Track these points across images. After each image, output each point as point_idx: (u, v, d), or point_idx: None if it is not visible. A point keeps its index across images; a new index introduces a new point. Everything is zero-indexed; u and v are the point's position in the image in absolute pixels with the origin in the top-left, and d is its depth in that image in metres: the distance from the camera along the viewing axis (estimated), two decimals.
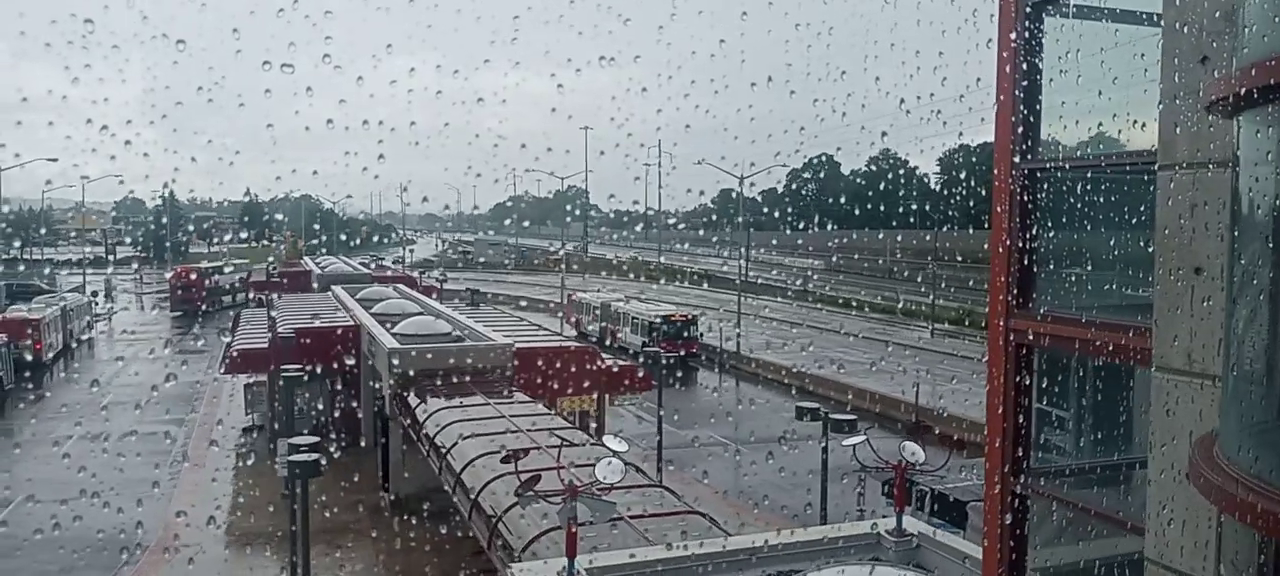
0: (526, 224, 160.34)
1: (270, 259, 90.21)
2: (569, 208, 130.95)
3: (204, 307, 74.06)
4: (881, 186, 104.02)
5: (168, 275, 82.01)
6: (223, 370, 39.86)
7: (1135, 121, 6.35)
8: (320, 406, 34.58)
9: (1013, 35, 7.17)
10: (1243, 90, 3.57)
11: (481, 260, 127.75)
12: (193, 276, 78.04)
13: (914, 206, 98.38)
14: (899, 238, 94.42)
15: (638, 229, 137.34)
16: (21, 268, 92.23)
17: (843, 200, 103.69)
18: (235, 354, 38.86)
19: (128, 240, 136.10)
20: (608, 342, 60.14)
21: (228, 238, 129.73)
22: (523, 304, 77.84)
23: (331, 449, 26.18)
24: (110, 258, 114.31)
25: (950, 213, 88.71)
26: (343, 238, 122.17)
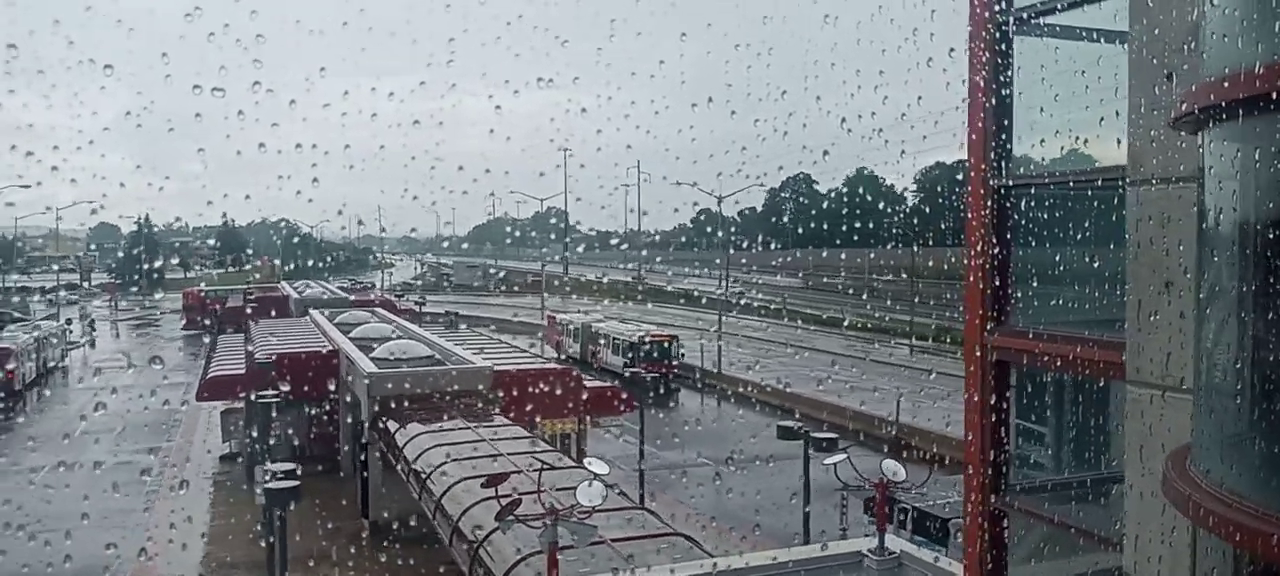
0: (511, 242, 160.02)
1: (247, 283, 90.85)
2: (536, 234, 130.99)
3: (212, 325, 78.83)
4: (859, 205, 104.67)
5: (181, 296, 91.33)
6: (197, 397, 39.42)
7: (1105, 137, 6.42)
8: (298, 433, 34.23)
9: (982, 53, 7.24)
10: (1206, 105, 3.60)
11: (463, 283, 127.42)
12: (202, 298, 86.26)
13: (892, 225, 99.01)
14: (877, 256, 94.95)
15: (617, 249, 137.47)
16: None
17: (820, 219, 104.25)
18: (210, 380, 38.44)
19: (104, 267, 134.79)
20: (589, 364, 60.00)
21: (193, 260, 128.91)
22: (503, 327, 77.63)
23: (310, 474, 25.90)
24: (84, 284, 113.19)
25: (928, 230, 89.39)
26: (319, 262, 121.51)
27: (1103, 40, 6.67)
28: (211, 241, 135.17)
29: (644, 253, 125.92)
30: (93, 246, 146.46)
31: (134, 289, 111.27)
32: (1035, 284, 7.61)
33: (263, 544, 21.75)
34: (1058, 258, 7.59)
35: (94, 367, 66.22)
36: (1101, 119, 6.26)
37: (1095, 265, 6.96)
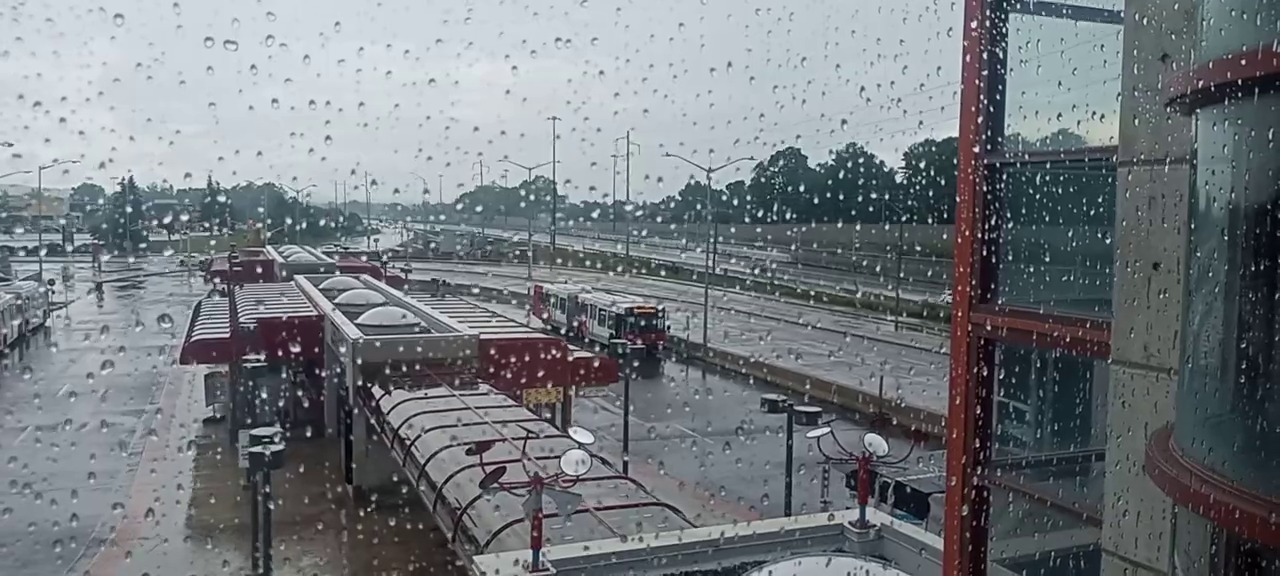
0: (500, 210, 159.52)
1: (232, 247, 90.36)
2: (535, 198, 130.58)
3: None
4: (847, 180, 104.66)
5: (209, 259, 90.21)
6: (179, 359, 39.29)
7: (1097, 117, 6.43)
8: (282, 397, 34.19)
9: (976, 29, 7.22)
10: (1201, 87, 3.61)
11: (447, 250, 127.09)
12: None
13: (879, 200, 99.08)
14: (864, 231, 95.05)
15: (605, 220, 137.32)
16: None
17: (809, 193, 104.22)
18: (194, 343, 38.30)
19: (85, 228, 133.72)
20: (574, 334, 60.05)
21: (186, 222, 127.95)
22: (489, 296, 77.53)
23: (294, 439, 25.91)
24: (67, 245, 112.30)
25: (915, 206, 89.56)
26: (306, 227, 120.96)
27: (1098, 20, 6.67)
28: (215, 199, 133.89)
29: (633, 223, 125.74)
30: (79, 208, 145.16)
31: (118, 251, 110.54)
32: (1023, 262, 7.64)
33: (244, 505, 21.79)
34: (1046, 237, 7.62)
35: (78, 328, 65.81)
36: (1094, 99, 6.27)
37: (1083, 245, 7.00)
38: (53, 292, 72.48)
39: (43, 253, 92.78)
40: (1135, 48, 4.70)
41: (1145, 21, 4.62)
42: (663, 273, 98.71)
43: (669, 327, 59.70)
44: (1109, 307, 5.04)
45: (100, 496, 27.75)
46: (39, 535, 23.58)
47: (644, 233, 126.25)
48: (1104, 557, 4.97)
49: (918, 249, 74.05)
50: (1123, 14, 4.96)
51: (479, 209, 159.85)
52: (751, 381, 47.67)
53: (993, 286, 7.58)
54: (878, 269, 78.53)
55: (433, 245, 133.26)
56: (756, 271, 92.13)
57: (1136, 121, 4.74)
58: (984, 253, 7.49)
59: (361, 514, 26.26)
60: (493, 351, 31.74)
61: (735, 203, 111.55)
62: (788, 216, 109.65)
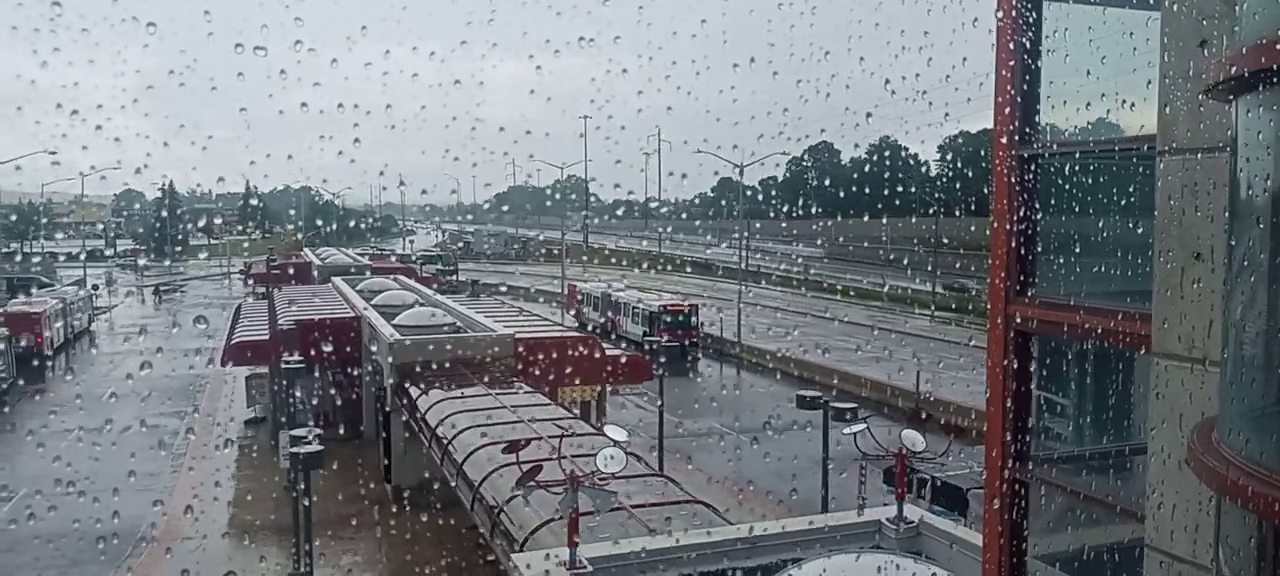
0: (530, 209, 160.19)
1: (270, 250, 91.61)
2: (562, 198, 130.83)
3: None
4: (881, 174, 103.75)
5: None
6: (221, 361, 39.90)
7: (1134, 105, 6.33)
8: (321, 397, 34.60)
9: (1008, 18, 7.13)
10: (1240, 73, 3.54)
11: (479, 250, 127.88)
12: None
13: (914, 193, 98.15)
14: (900, 225, 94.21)
15: (635, 217, 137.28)
16: (24, 261, 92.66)
17: (842, 187, 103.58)
18: (234, 345, 38.87)
19: (126, 232, 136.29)
20: (609, 333, 60.18)
21: (223, 225, 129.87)
22: (523, 295, 77.91)
23: (332, 439, 26.22)
24: (110, 250, 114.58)
25: (952, 199, 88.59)
26: (341, 229, 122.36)
27: (1133, 6, 6.56)
28: (252, 202, 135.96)
29: (663, 219, 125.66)
30: (120, 214, 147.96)
31: (159, 255, 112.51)
32: (1060, 254, 7.54)
33: (283, 504, 22.09)
34: (1083, 228, 7.51)
35: (121, 332, 67.01)
36: (1130, 87, 6.17)
37: (1121, 235, 6.89)
38: (97, 297, 73.91)
39: (83, 257, 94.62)
40: (1172, 33, 4.62)
41: (1182, 6, 4.54)
42: (689, 269, 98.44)
43: (703, 325, 59.62)
44: (1148, 299, 4.97)
45: (143, 496, 28.28)
46: (79, 537, 24.14)
47: (673, 229, 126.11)
48: (1146, 553, 4.89)
49: (945, 244, 73.27)
50: (1159, 0, 4.88)
51: (505, 209, 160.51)
52: (786, 378, 47.44)
53: (1030, 279, 7.49)
54: (906, 262, 77.73)
55: (466, 244, 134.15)
56: (791, 266, 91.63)
57: (1174, 109, 4.65)
58: (1019, 245, 7.40)
59: (399, 512, 26.52)
60: (527, 350, 31.90)
61: (762, 201, 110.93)
62: (823, 211, 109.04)
